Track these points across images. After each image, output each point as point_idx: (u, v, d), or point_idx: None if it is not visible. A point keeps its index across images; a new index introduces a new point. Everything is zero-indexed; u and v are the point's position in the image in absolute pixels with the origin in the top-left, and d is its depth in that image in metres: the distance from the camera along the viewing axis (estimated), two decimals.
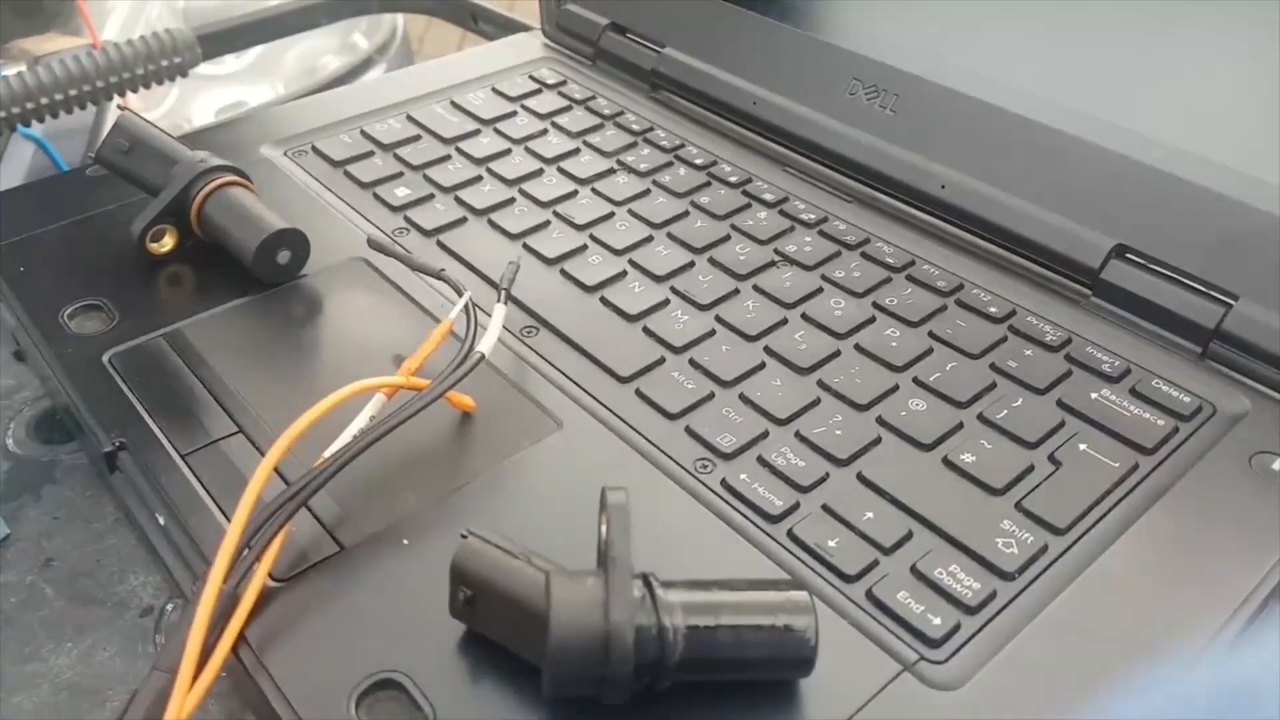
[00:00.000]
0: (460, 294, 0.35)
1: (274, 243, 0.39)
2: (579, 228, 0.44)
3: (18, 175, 0.61)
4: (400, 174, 0.47)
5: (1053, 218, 0.40)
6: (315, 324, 0.39)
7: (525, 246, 0.43)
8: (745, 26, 0.51)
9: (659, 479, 0.32)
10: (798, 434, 0.33)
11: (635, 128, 0.51)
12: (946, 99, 0.44)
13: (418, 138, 0.50)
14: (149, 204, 0.41)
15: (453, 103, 0.53)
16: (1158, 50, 0.39)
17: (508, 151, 0.49)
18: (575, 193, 0.46)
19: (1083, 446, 0.33)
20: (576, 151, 0.49)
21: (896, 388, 0.35)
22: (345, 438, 0.30)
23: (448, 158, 0.49)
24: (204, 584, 0.26)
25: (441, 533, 0.30)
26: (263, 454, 0.29)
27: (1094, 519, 0.31)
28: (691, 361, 0.36)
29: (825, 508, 0.31)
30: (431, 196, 0.46)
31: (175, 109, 0.84)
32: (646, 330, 0.38)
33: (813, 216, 0.44)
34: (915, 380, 0.36)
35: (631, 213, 0.45)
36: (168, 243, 0.41)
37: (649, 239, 0.43)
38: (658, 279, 0.41)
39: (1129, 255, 0.39)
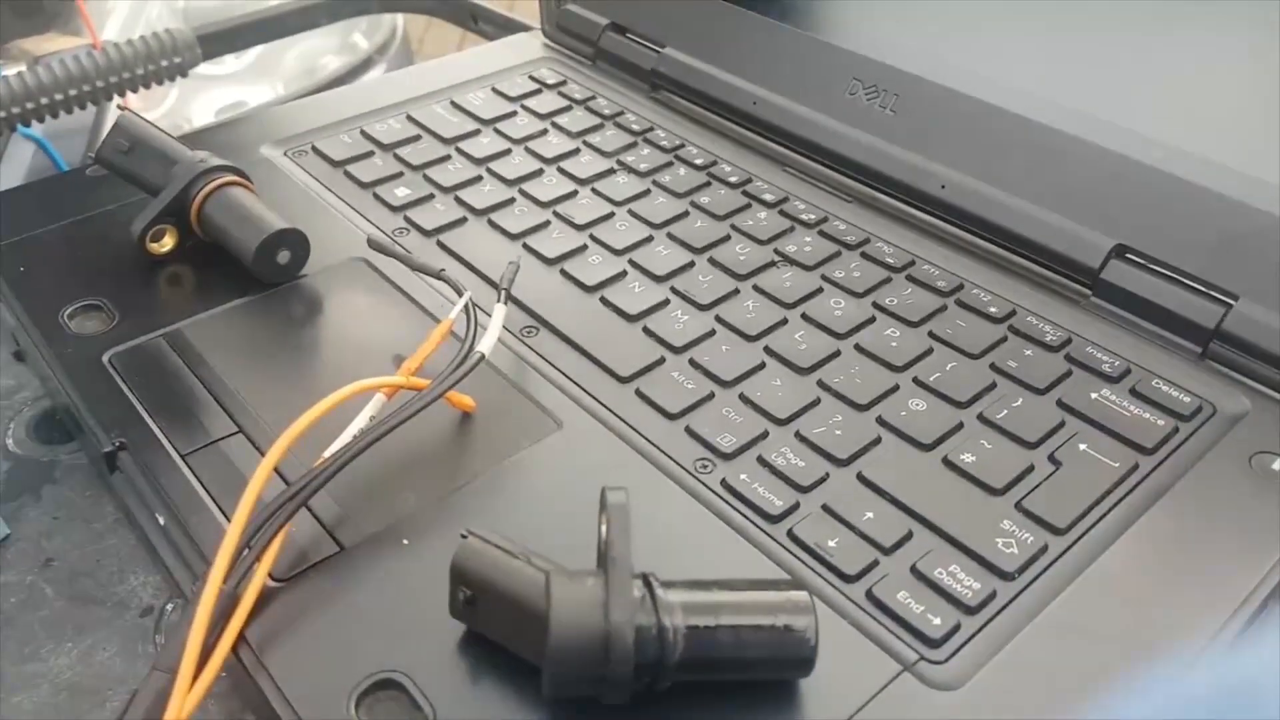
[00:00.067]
0: (460, 294, 0.35)
1: (274, 243, 0.39)
2: (579, 228, 0.44)
3: (18, 175, 0.61)
4: (400, 174, 0.47)
5: (1053, 218, 0.40)
6: (315, 324, 0.39)
7: (525, 246, 0.43)
8: (745, 26, 0.51)
9: (659, 479, 0.32)
10: (798, 434, 0.33)
11: (635, 128, 0.51)
12: (946, 99, 0.44)
13: (418, 138, 0.50)
14: (149, 204, 0.41)
15: (453, 103, 0.53)
16: (1158, 50, 0.39)
17: (508, 151, 0.49)
18: (575, 193, 0.46)
19: (1083, 446, 0.33)
20: (576, 151, 0.49)
21: (896, 388, 0.35)
22: (345, 438, 0.30)
23: (448, 158, 0.49)
24: (204, 584, 0.26)
25: (441, 533, 0.30)
26: (263, 454, 0.29)
27: (1094, 519, 0.31)
28: (691, 361, 0.36)
29: (825, 508, 0.31)
30: (431, 196, 0.46)
31: (175, 109, 0.84)
32: (646, 330, 0.38)
33: (813, 216, 0.44)
34: (915, 380, 0.36)
35: (631, 213, 0.45)
36: (168, 243, 0.41)
37: (649, 239, 0.43)
38: (658, 279, 0.41)
39: (1129, 255, 0.39)
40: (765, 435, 0.33)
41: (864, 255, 0.42)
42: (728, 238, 0.43)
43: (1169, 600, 0.29)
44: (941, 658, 0.27)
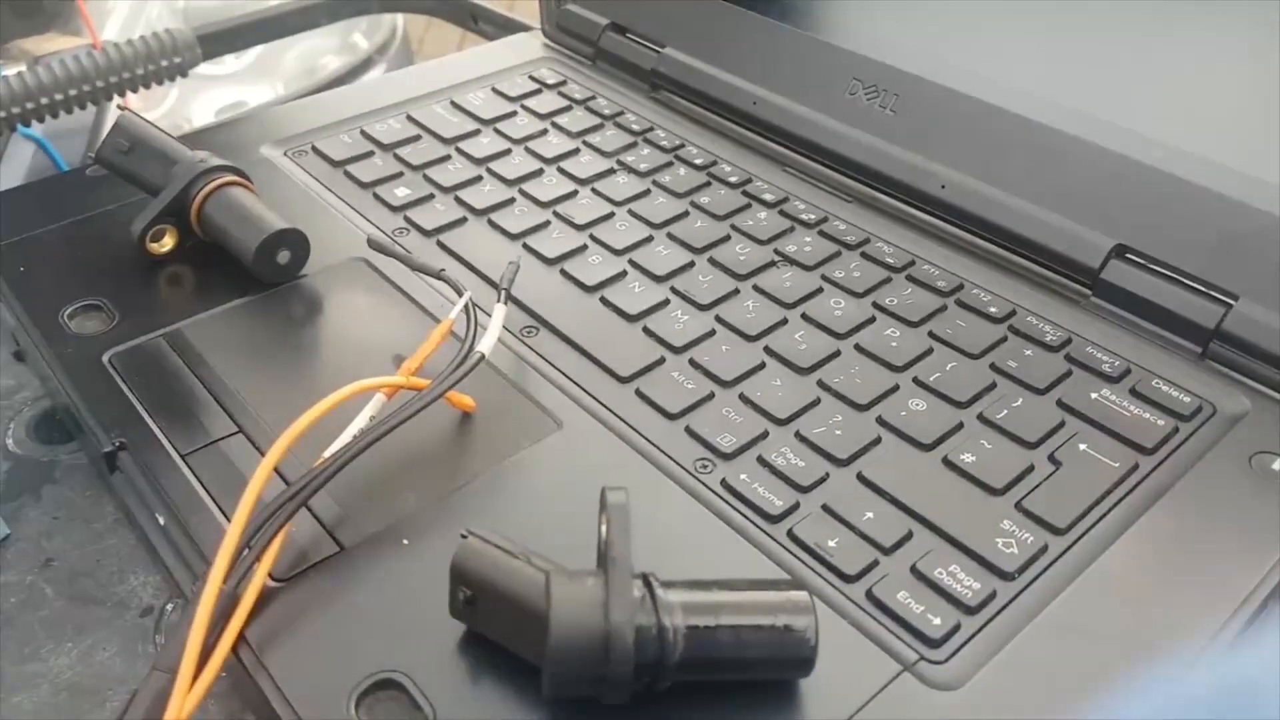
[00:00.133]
0: (460, 294, 0.35)
1: (274, 243, 0.39)
2: (579, 228, 0.44)
3: (18, 175, 0.61)
4: (400, 174, 0.47)
5: (1053, 218, 0.40)
6: (315, 324, 0.39)
7: (525, 246, 0.43)
8: (745, 26, 0.51)
9: (659, 479, 0.32)
10: (798, 434, 0.33)
11: (635, 128, 0.51)
12: (946, 99, 0.44)
13: (418, 138, 0.50)
14: (149, 204, 0.41)
15: (453, 103, 0.53)
16: (1158, 50, 0.39)
17: (508, 151, 0.49)
18: (575, 193, 0.46)
19: (1083, 446, 0.33)
20: (576, 151, 0.49)
21: (896, 388, 0.35)
22: (345, 438, 0.30)
23: (448, 158, 0.49)
24: (204, 584, 0.26)
25: (441, 533, 0.30)
26: (263, 454, 0.29)
27: (1094, 519, 0.31)
28: (691, 361, 0.36)
29: (825, 508, 0.31)
30: (431, 196, 0.46)
31: (175, 109, 0.84)
32: (646, 330, 0.38)
33: (813, 216, 0.44)
34: (915, 380, 0.36)
35: (631, 213, 0.45)
36: (168, 243, 0.41)
37: (649, 239, 0.43)
38: (658, 279, 0.41)
39: (1129, 255, 0.39)
40: (765, 435, 0.33)
41: (864, 255, 0.42)
42: (728, 238, 0.43)
43: (1169, 600, 0.29)
44: (941, 658, 0.27)
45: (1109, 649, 0.27)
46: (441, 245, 0.43)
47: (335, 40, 0.93)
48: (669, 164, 0.48)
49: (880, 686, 0.26)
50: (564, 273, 0.41)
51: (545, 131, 0.51)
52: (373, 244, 0.39)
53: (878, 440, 0.33)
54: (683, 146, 0.50)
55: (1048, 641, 0.27)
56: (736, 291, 0.40)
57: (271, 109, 0.54)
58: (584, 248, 0.42)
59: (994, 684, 0.26)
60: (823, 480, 0.32)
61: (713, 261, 0.42)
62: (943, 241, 0.43)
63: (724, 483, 0.32)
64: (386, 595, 0.28)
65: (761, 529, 0.30)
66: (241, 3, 0.70)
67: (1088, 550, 0.30)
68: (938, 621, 0.28)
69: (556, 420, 0.34)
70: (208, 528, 0.30)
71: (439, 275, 0.37)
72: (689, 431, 0.34)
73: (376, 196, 0.46)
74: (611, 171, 0.48)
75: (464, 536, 0.26)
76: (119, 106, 0.48)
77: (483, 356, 0.33)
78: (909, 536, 0.30)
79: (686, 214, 0.45)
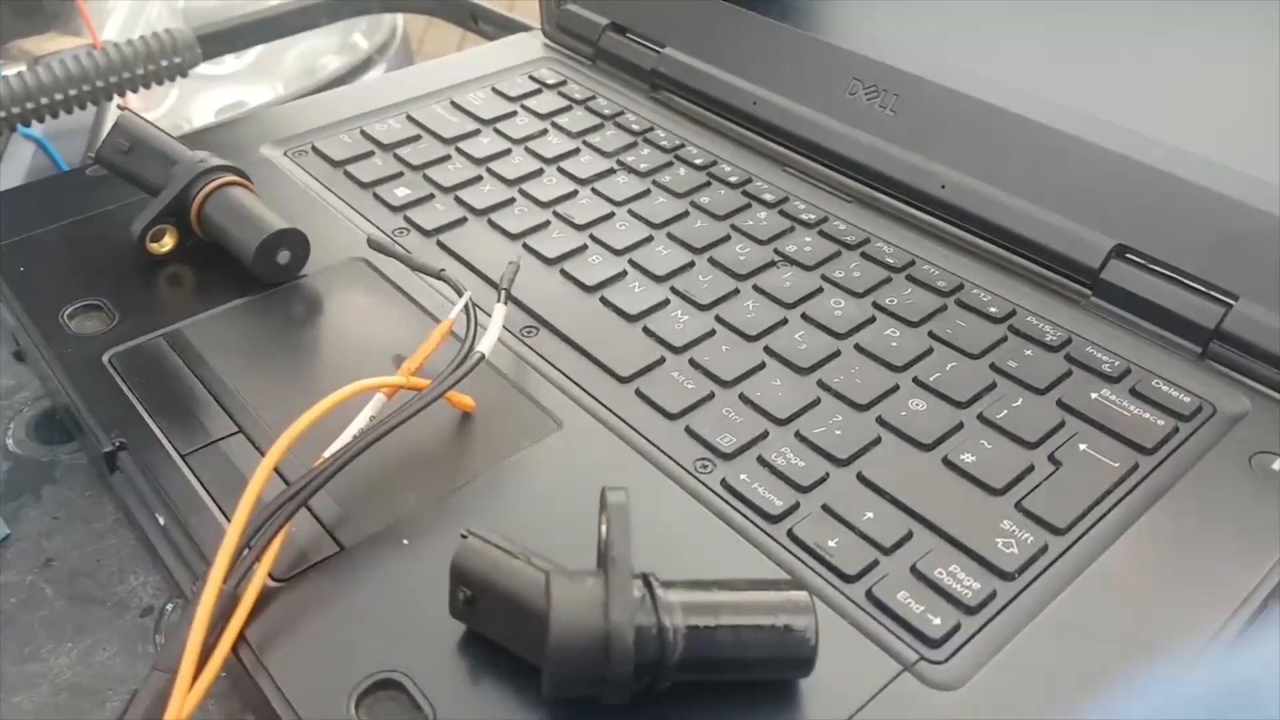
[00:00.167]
0: (460, 294, 0.35)
1: (274, 243, 0.39)
2: (579, 228, 0.44)
3: (18, 175, 0.61)
4: (400, 174, 0.47)
5: (1053, 218, 0.40)
6: (315, 324, 0.39)
7: (525, 246, 0.43)
8: (745, 26, 0.51)
9: (659, 479, 0.32)
10: (798, 434, 0.33)
11: (635, 128, 0.51)
12: (946, 99, 0.44)
13: (418, 138, 0.50)
14: (149, 204, 0.41)
15: (453, 103, 0.53)
16: (1158, 50, 0.39)
17: (508, 151, 0.49)
18: (575, 193, 0.46)
19: (1083, 446, 0.33)
20: (576, 151, 0.49)
21: (896, 388, 0.35)
22: (345, 438, 0.30)
23: (448, 158, 0.49)
24: (204, 584, 0.26)
25: (441, 533, 0.30)
26: (263, 454, 0.29)
27: (1094, 519, 0.31)
28: (691, 361, 0.36)
29: (825, 508, 0.31)
30: (431, 196, 0.46)
31: (175, 109, 0.84)
32: (646, 330, 0.38)
33: (813, 216, 0.44)
34: (915, 380, 0.36)
35: (631, 213, 0.45)
36: (168, 243, 0.41)
37: (649, 239, 0.43)
38: (658, 279, 0.41)
39: (1129, 255, 0.39)
40: (765, 435, 0.33)
41: (864, 255, 0.42)
42: (728, 238, 0.43)
43: (1169, 600, 0.29)
44: (941, 658, 0.27)
45: (1109, 649, 0.27)
46: (441, 245, 0.43)
47: (335, 40, 0.93)
48: (669, 164, 0.48)
49: (880, 686, 0.26)
50: (564, 273, 0.41)
51: (545, 131, 0.51)
52: (373, 244, 0.39)
53: (878, 440, 0.33)
54: (683, 146, 0.50)
55: (1048, 641, 0.27)
56: (736, 291, 0.40)
57: (271, 109, 0.54)
58: (584, 248, 0.42)
59: (994, 684, 0.26)
60: (823, 480, 0.32)
61: (713, 261, 0.42)
62: (943, 241, 0.43)
63: (724, 483, 0.32)
64: (386, 595, 0.28)
65: (761, 529, 0.30)
66: (241, 3, 0.70)
67: (1088, 550, 0.30)
68: (938, 621, 0.28)
69: (556, 420, 0.34)
70: (208, 528, 0.30)
71: (439, 275, 0.37)
72: (689, 431, 0.34)
73: (376, 196, 0.46)
74: (611, 171, 0.48)
75: (464, 536, 0.26)
76: (119, 106, 0.48)
77: (483, 356, 0.33)
78: (909, 536, 0.30)
79: (686, 214, 0.45)
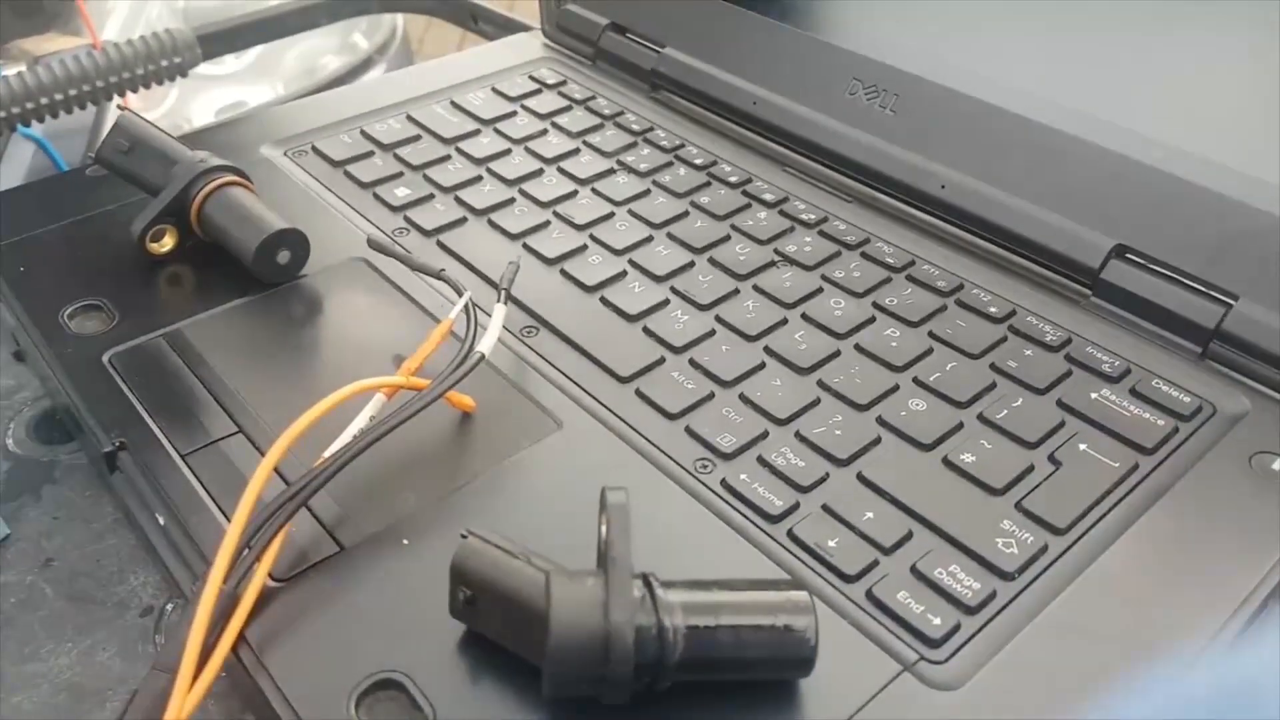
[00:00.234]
0: (460, 294, 0.35)
1: (274, 243, 0.39)
2: (579, 228, 0.44)
3: (18, 175, 0.61)
4: (400, 174, 0.47)
5: (1053, 218, 0.40)
6: (315, 324, 0.39)
7: (525, 246, 0.43)
8: (745, 26, 0.51)
9: (659, 479, 0.32)
10: (798, 434, 0.33)
11: (635, 128, 0.51)
12: (946, 99, 0.44)
13: (418, 138, 0.50)
14: (149, 204, 0.41)
15: (453, 103, 0.53)
16: (1158, 50, 0.39)
17: (508, 151, 0.49)
18: (575, 193, 0.46)
19: (1083, 446, 0.33)
20: (576, 151, 0.49)
21: (896, 388, 0.35)
22: (345, 438, 0.30)
23: (448, 158, 0.49)
24: (204, 584, 0.26)
25: (441, 533, 0.30)
26: (263, 454, 0.29)
27: (1094, 519, 0.31)
28: (691, 361, 0.36)
29: (825, 508, 0.31)
30: (431, 196, 0.46)
31: (175, 109, 0.84)
32: (646, 330, 0.38)
33: (813, 216, 0.44)
34: (915, 380, 0.36)
35: (631, 213, 0.45)
36: (168, 243, 0.41)
37: (649, 239, 0.43)
38: (658, 279, 0.41)
39: (1129, 255, 0.39)
40: (765, 435, 0.33)
41: (864, 255, 0.42)
42: (728, 238, 0.43)
43: (1169, 600, 0.29)
44: (941, 658, 0.27)
45: (1109, 649, 0.27)
46: (441, 245, 0.43)
47: (335, 40, 0.93)
48: (669, 164, 0.48)
49: (880, 686, 0.26)
50: (564, 273, 0.41)
51: (545, 131, 0.51)
52: (373, 244, 0.39)
53: (878, 440, 0.33)
54: (683, 146, 0.50)
55: (1048, 641, 0.27)
56: (736, 291, 0.40)
57: (271, 109, 0.54)
58: (584, 248, 0.42)
59: (994, 684, 0.26)
60: (823, 480, 0.32)
61: (713, 261, 0.42)
62: (943, 241, 0.43)
63: (724, 483, 0.32)
64: (386, 595, 0.28)
65: (761, 529, 0.30)
66: (241, 3, 0.70)
67: (1088, 550, 0.30)
68: (938, 621, 0.28)
69: (556, 420, 0.34)
70: (208, 528, 0.30)
71: (439, 275, 0.37)
72: (689, 431, 0.34)
73: (376, 196, 0.46)
74: (611, 171, 0.48)
75: (464, 536, 0.26)
76: (119, 106, 0.48)
77: (483, 356, 0.33)
78: (909, 536, 0.30)
79: (686, 214, 0.45)
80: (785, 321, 0.38)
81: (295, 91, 0.88)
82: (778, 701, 0.26)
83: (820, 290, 0.40)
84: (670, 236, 0.43)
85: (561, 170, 0.48)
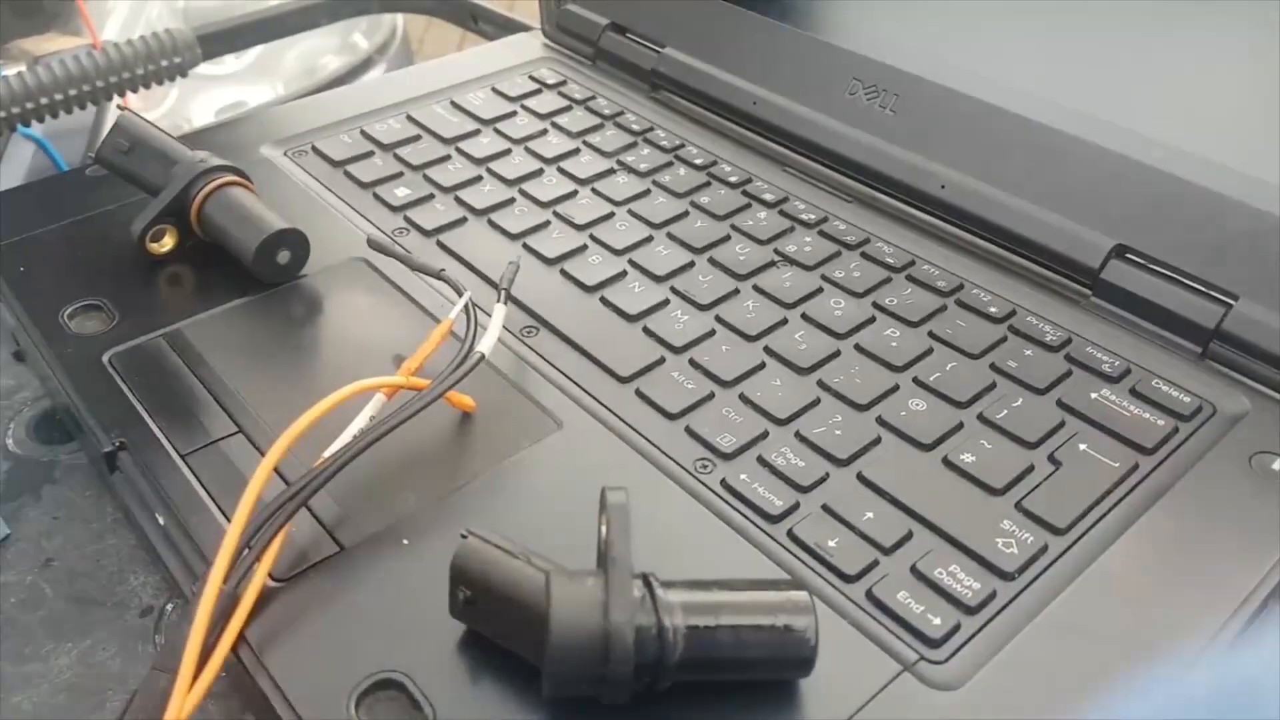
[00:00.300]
0: (460, 294, 0.35)
1: (274, 243, 0.39)
2: (579, 228, 0.44)
3: (18, 175, 0.61)
4: (400, 174, 0.47)
5: (1053, 218, 0.40)
6: (315, 324, 0.39)
7: (525, 246, 0.43)
8: (745, 26, 0.51)
9: (659, 479, 0.32)
10: (798, 434, 0.33)
11: (635, 128, 0.51)
12: (946, 99, 0.44)
13: (418, 138, 0.50)
14: (149, 204, 0.41)
15: (453, 103, 0.53)
16: (1158, 50, 0.39)
17: (508, 151, 0.49)
18: (575, 193, 0.46)
19: (1083, 446, 0.33)
20: (576, 151, 0.49)
21: (896, 388, 0.35)
22: (345, 438, 0.30)
23: (448, 158, 0.49)
24: (204, 584, 0.26)
25: (441, 533, 0.30)
26: (263, 454, 0.29)
27: (1094, 519, 0.31)
28: (691, 361, 0.36)
29: (825, 508, 0.31)
30: (431, 196, 0.46)
31: (175, 109, 0.84)
32: (646, 330, 0.38)
33: (813, 216, 0.44)
34: (915, 380, 0.36)
35: (631, 213, 0.45)
36: (168, 243, 0.41)
37: (649, 239, 0.43)
38: (658, 279, 0.41)
39: (1129, 255, 0.39)
40: (765, 435, 0.33)
41: (864, 255, 0.42)
42: (728, 238, 0.43)
43: (1169, 600, 0.29)
44: (941, 658, 0.27)
45: (1109, 649, 0.27)
46: (441, 245, 0.43)
47: (335, 40, 0.93)
48: (669, 164, 0.48)
49: (880, 686, 0.26)
50: (564, 273, 0.41)
51: (545, 131, 0.51)
52: (373, 244, 0.39)
53: (878, 440, 0.33)
54: (683, 146, 0.50)
55: (1048, 641, 0.27)
56: (736, 291, 0.40)
57: (271, 109, 0.54)
58: (584, 248, 0.42)
59: (994, 684, 0.26)
60: (823, 480, 0.32)
61: (713, 261, 0.42)
62: (943, 241, 0.43)
63: (724, 483, 0.32)
64: (386, 595, 0.28)
65: (761, 529, 0.30)
66: (241, 3, 0.70)
67: (1088, 550, 0.30)
68: (938, 621, 0.28)
69: (556, 420, 0.34)
70: (208, 528, 0.30)
71: (439, 275, 0.37)
72: (689, 431, 0.34)
73: (376, 196, 0.46)
74: (611, 171, 0.48)
75: (464, 536, 0.26)
76: (119, 106, 0.48)
77: (483, 356, 0.33)
78: (909, 536, 0.30)
79: (686, 214, 0.45)
80: (785, 321, 0.38)
81: (295, 91, 0.88)
82: (778, 701, 0.26)
83: (820, 290, 0.40)
84: (670, 236, 0.43)
85: (561, 170, 0.48)
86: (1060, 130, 0.40)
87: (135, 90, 0.54)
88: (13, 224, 0.43)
